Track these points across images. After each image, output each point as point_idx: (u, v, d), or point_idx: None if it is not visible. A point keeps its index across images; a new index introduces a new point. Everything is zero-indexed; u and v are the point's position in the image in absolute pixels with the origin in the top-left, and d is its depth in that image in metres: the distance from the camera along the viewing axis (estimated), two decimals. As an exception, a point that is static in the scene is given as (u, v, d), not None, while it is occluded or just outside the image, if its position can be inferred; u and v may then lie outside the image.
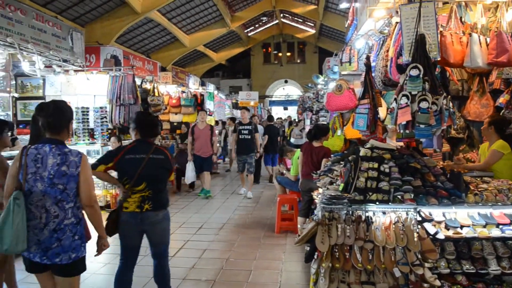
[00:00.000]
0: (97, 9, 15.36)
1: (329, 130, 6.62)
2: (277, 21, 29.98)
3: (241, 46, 32.10)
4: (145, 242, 6.06)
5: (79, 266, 3.12)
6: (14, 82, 9.13)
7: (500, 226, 3.92)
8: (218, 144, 12.40)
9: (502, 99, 4.80)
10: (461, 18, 4.49)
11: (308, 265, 4.47)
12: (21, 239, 2.83)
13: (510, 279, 3.86)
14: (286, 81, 36.31)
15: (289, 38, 34.91)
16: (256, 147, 10.22)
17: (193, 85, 19.07)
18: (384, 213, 3.98)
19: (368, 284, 3.78)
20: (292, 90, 36.71)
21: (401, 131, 3.77)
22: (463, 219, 4.03)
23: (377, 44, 5.40)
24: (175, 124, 12.93)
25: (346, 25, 9.78)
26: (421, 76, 3.61)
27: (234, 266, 5.44)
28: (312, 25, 28.30)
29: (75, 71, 9.38)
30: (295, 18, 28.94)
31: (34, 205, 2.94)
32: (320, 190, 4.64)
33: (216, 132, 10.86)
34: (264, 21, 29.37)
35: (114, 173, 4.02)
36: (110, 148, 8.53)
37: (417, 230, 3.75)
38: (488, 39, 4.20)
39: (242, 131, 9.98)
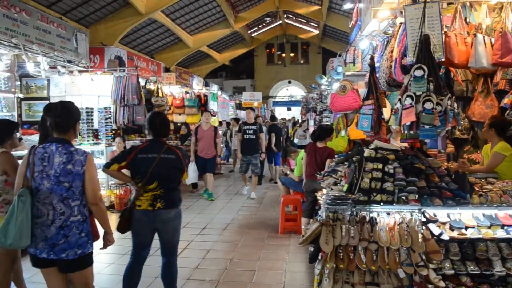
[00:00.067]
0: (101, 10, 15.41)
1: (333, 130, 6.62)
2: (280, 21, 30.01)
3: (244, 46, 32.13)
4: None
5: (85, 261, 3.18)
6: (19, 82, 9.17)
7: (505, 227, 3.91)
8: (221, 145, 12.39)
9: (507, 100, 4.78)
10: (465, 18, 4.49)
11: (312, 266, 4.47)
12: (24, 234, 2.92)
13: (515, 280, 3.85)
14: (289, 82, 36.32)
15: (293, 38, 34.93)
16: (261, 147, 10.19)
17: (197, 86, 19.10)
18: (388, 214, 3.97)
19: (372, 285, 3.77)
20: (296, 91, 36.72)
21: (406, 131, 3.77)
22: (468, 220, 4.02)
23: (381, 44, 5.40)
24: (179, 124, 12.95)
25: (350, 26, 9.78)
26: (425, 76, 3.61)
27: (238, 266, 5.44)
28: (316, 25, 28.31)
29: (80, 71, 9.42)
30: (299, 19, 28.95)
31: (41, 203, 3.02)
32: (324, 191, 4.63)
33: (220, 133, 10.84)
34: (267, 21, 29.42)
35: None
36: (114, 148, 8.57)
37: (422, 231, 3.74)
38: (493, 40, 4.20)
39: (247, 131, 9.90)
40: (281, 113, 35.53)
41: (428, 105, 3.55)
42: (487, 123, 4.77)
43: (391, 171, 4.01)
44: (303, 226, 5.87)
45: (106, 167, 3.92)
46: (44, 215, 3.02)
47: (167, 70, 17.58)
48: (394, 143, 5.08)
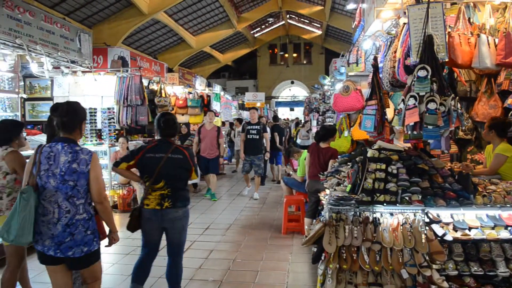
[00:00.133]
0: (105, 10, 15.44)
1: (336, 131, 6.62)
2: (283, 22, 29.98)
3: (247, 47, 32.13)
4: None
5: (92, 258, 3.24)
6: (22, 83, 9.18)
7: (509, 228, 3.91)
8: (224, 145, 12.37)
9: (510, 100, 4.77)
10: (469, 19, 4.48)
11: (315, 266, 4.47)
12: (26, 231, 2.98)
13: (518, 281, 3.84)
14: (292, 82, 36.30)
15: (296, 39, 34.90)
16: (266, 147, 10.16)
17: (200, 86, 19.11)
18: (391, 214, 3.97)
19: (375, 286, 3.78)
20: (298, 91, 36.70)
21: (409, 132, 3.77)
22: (471, 220, 4.02)
23: (384, 45, 5.39)
24: (181, 125, 12.96)
25: (353, 26, 9.78)
26: (429, 77, 3.61)
27: (241, 266, 5.45)
28: (319, 26, 28.28)
29: (83, 72, 9.43)
30: (302, 19, 28.93)
31: (47, 201, 3.08)
32: (327, 191, 4.63)
33: (223, 133, 10.81)
34: (270, 22, 29.39)
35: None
36: (117, 148, 8.58)
37: (425, 231, 3.74)
38: (496, 40, 4.19)
39: (251, 130, 9.85)
40: (283, 113, 35.53)
41: (432, 106, 3.55)
42: (487, 125, 4.76)
43: (395, 171, 4.01)
44: (306, 227, 5.87)
45: (115, 166, 4.05)
46: (50, 213, 3.07)
47: (170, 70, 17.59)
48: (397, 144, 5.08)
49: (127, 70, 10.09)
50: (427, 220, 3.88)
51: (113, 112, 9.16)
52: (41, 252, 3.11)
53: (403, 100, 3.78)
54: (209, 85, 21.27)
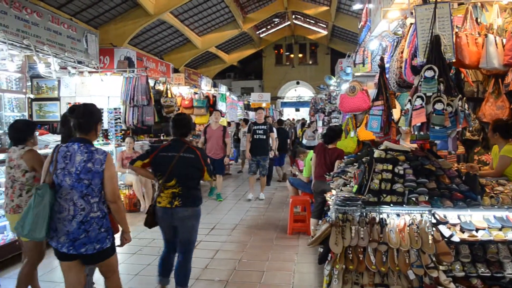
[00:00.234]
0: (111, 11, 15.49)
1: (342, 131, 6.60)
2: (289, 22, 29.96)
3: (253, 47, 32.12)
4: (156, 242, 6.11)
5: (103, 255, 3.31)
6: (29, 83, 9.23)
7: (516, 229, 3.88)
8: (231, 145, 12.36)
9: (518, 101, 4.75)
10: (476, 19, 4.46)
11: (321, 267, 4.47)
12: (39, 227, 3.09)
13: (526, 283, 3.82)
14: (298, 83, 36.26)
15: (301, 39, 34.86)
16: (272, 146, 10.09)
17: (205, 86, 19.14)
18: (398, 215, 3.97)
19: (382, 287, 3.77)
20: (304, 92, 36.65)
21: (416, 132, 3.76)
22: (479, 221, 4.00)
23: (391, 45, 5.37)
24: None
25: (359, 26, 9.75)
26: (436, 77, 3.59)
27: (247, 267, 5.45)
28: (324, 26, 28.23)
29: (90, 72, 9.47)
30: (307, 20, 28.89)
31: (63, 199, 3.18)
32: (334, 192, 4.63)
33: (229, 133, 10.79)
34: (276, 22, 29.38)
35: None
36: (124, 148, 8.62)
37: (432, 232, 3.73)
38: (504, 40, 4.17)
39: (257, 131, 9.76)
40: (289, 113, 35.50)
41: (439, 106, 3.54)
42: (491, 128, 4.73)
43: (401, 172, 4.01)
44: (312, 227, 5.87)
45: (131, 164, 4.26)
46: (65, 210, 3.16)
47: (176, 70, 17.63)
48: (404, 144, 5.06)
49: (134, 71, 10.12)
50: (434, 221, 3.87)
51: (120, 112, 9.20)
52: (55, 248, 3.21)
53: (410, 100, 3.77)
54: (214, 85, 21.29)
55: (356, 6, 11.01)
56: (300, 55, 36.17)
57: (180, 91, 13.56)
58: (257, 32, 29.96)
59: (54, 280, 4.86)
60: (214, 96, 13.94)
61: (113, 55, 11.51)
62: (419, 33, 3.84)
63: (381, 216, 3.95)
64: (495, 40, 4.10)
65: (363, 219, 3.90)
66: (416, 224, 3.82)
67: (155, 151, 4.25)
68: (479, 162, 5.53)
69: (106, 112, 9.13)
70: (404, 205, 3.87)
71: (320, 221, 5.16)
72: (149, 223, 4.28)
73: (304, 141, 14.17)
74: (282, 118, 23.56)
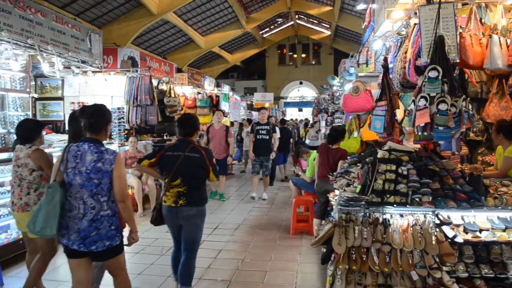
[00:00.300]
0: (114, 11, 15.55)
1: (346, 131, 6.60)
2: (292, 22, 29.98)
3: (256, 47, 32.16)
4: (159, 241, 6.13)
5: (114, 251, 3.38)
6: (33, 83, 9.28)
7: (520, 230, 3.87)
8: (234, 145, 12.37)
9: (522, 101, 4.73)
10: (481, 19, 4.45)
11: (324, 267, 4.47)
12: (49, 225, 3.15)
13: (530, 284, 3.81)
14: (301, 83, 36.27)
15: (304, 39, 34.86)
16: (273, 147, 10.04)
17: (209, 86, 19.15)
18: (401, 215, 3.96)
19: (385, 287, 3.77)
20: (307, 92, 36.66)
21: (419, 133, 3.75)
22: (482, 222, 3.99)
23: (394, 45, 5.37)
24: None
25: (362, 27, 9.73)
26: (440, 77, 3.59)
27: (250, 266, 5.45)
28: (328, 26, 28.22)
29: (93, 72, 9.49)
30: (311, 20, 28.89)
31: (73, 197, 3.24)
32: (337, 192, 4.62)
33: (232, 133, 10.77)
34: (279, 22, 29.40)
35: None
36: (127, 148, 8.63)
37: (435, 233, 3.72)
38: (508, 41, 4.16)
39: (260, 131, 9.71)
40: (292, 114, 35.48)
41: (443, 107, 3.53)
42: (494, 129, 4.71)
43: (405, 172, 4.00)
44: (315, 227, 5.86)
45: (138, 163, 4.32)
46: (75, 208, 3.22)
47: (179, 70, 17.65)
48: (407, 145, 5.05)
49: (137, 70, 10.14)
50: (437, 221, 3.86)
51: (123, 112, 9.20)
52: (66, 245, 3.26)
53: (413, 101, 3.76)
54: (218, 85, 21.31)
55: (360, 6, 11.01)
56: (303, 55, 36.18)
57: (183, 91, 13.58)
58: (260, 32, 29.99)
59: (57, 279, 4.87)
60: (217, 96, 13.95)
61: (116, 54, 11.53)
62: (423, 34, 3.83)
63: (384, 216, 3.94)
64: (500, 41, 4.08)
65: (367, 220, 3.90)
66: (419, 225, 3.81)
67: (162, 150, 4.32)
68: (483, 162, 5.51)
69: (109, 112, 9.13)
70: (407, 206, 3.86)
71: (323, 221, 5.16)
72: (157, 221, 4.34)
73: (307, 141, 14.16)
74: (285, 118, 23.56)
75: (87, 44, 9.12)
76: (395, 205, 3.87)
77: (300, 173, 8.11)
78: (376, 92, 5.79)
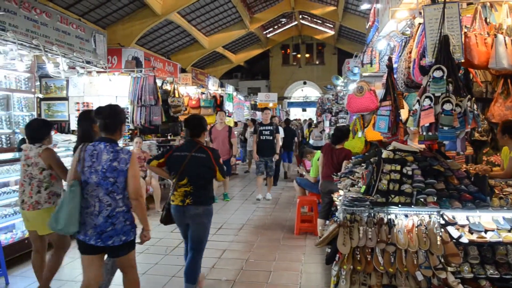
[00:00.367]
0: (119, 11, 15.56)
1: (350, 132, 6.58)
2: (296, 22, 29.92)
3: (259, 47, 32.11)
4: (163, 241, 6.13)
5: (129, 246, 3.47)
6: (38, 83, 9.33)
7: (526, 231, 3.86)
8: (237, 145, 12.39)
9: (527, 101, 4.70)
10: (486, 19, 4.43)
11: (328, 267, 4.46)
12: (72, 221, 3.26)
13: (536, 284, 3.79)
14: (304, 83, 36.20)
15: (308, 39, 34.80)
16: (276, 149, 10.01)
17: (212, 86, 19.18)
18: (406, 216, 3.95)
19: None
20: (311, 92, 36.59)
21: (424, 133, 3.74)
22: (488, 223, 3.98)
23: (399, 45, 5.35)
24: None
25: (367, 26, 9.72)
26: (444, 77, 3.58)
27: (254, 266, 5.45)
28: (331, 26, 28.17)
29: (98, 72, 9.53)
30: (314, 20, 28.83)
31: (89, 195, 3.35)
32: (341, 192, 4.62)
33: (235, 133, 10.77)
34: (283, 22, 29.35)
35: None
36: (132, 148, 8.65)
37: (440, 233, 3.71)
38: (514, 40, 4.13)
39: (263, 131, 9.68)
40: (296, 114, 35.45)
41: (447, 106, 3.52)
42: (499, 129, 4.69)
43: (410, 172, 3.99)
44: (319, 227, 5.86)
45: (147, 163, 4.47)
46: (91, 206, 3.33)
47: (183, 70, 17.67)
48: (412, 145, 5.04)
49: (141, 71, 10.17)
50: (442, 222, 3.86)
51: (127, 112, 9.23)
52: (83, 241, 3.34)
53: (418, 100, 3.75)
54: (221, 85, 21.33)
55: (364, 6, 10.98)
56: (307, 55, 36.11)
57: (187, 91, 13.60)
58: (264, 32, 29.95)
59: (61, 278, 4.89)
60: (221, 96, 13.95)
61: (121, 55, 11.57)
62: (427, 33, 3.82)
63: (389, 216, 3.93)
64: (505, 40, 4.07)
65: (371, 220, 3.89)
66: (424, 225, 3.80)
67: (170, 151, 4.42)
68: (488, 163, 5.49)
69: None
70: (412, 206, 3.85)
71: (327, 221, 5.16)
72: (167, 220, 4.45)
73: (311, 141, 14.16)
74: (289, 118, 23.56)
75: (91, 45, 9.16)
76: (400, 205, 3.86)
77: (304, 173, 8.10)
78: (380, 92, 5.77)
